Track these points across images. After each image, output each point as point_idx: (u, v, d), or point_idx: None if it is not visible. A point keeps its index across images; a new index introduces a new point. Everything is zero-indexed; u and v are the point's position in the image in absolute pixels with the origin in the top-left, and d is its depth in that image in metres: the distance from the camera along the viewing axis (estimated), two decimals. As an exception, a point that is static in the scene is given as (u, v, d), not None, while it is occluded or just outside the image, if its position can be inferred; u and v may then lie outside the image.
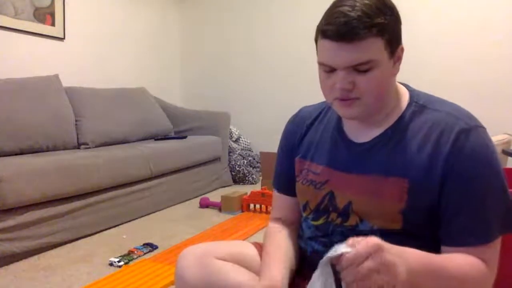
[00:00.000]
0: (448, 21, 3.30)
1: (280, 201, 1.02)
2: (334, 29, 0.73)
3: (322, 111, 0.97)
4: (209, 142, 3.48)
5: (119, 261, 1.90)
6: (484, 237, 0.74)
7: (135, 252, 2.03)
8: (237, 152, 3.89)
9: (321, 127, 0.94)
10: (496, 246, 0.75)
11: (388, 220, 0.78)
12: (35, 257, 2.02)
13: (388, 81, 0.80)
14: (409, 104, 0.84)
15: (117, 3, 3.76)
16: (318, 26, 0.78)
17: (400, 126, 0.82)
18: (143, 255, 2.03)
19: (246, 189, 3.04)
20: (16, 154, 2.41)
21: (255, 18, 4.15)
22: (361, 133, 0.85)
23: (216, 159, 3.57)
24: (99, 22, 3.57)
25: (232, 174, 3.77)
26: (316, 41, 0.80)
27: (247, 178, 3.75)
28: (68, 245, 2.18)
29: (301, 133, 0.97)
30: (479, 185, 0.74)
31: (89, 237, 2.30)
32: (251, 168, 3.83)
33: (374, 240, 0.62)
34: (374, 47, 0.74)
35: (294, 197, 0.98)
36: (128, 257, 1.97)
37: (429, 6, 3.35)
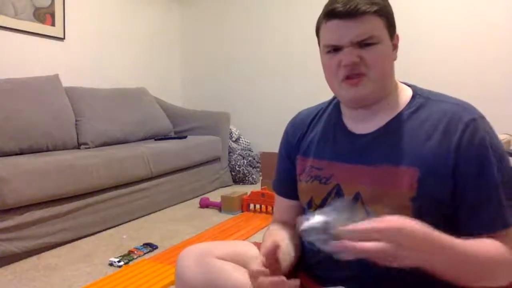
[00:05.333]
0: (448, 21, 3.30)
1: (280, 205, 1.03)
2: (339, 7, 0.78)
3: (320, 110, 0.99)
4: (209, 142, 3.48)
5: (119, 261, 1.90)
6: (504, 223, 0.75)
7: (135, 252, 2.03)
8: (237, 152, 3.89)
9: (321, 124, 0.95)
10: None
11: (397, 208, 0.78)
12: (35, 257, 2.02)
13: (390, 62, 0.84)
14: (413, 97, 0.86)
15: (117, 3, 3.76)
16: (320, 16, 0.84)
17: (406, 117, 0.83)
18: (143, 255, 2.03)
19: (246, 189, 3.04)
20: (16, 154, 2.41)
21: (255, 18, 4.15)
22: (362, 125, 0.86)
23: (216, 159, 3.57)
24: (99, 22, 3.57)
25: (232, 174, 3.77)
26: (318, 31, 0.86)
27: (247, 178, 3.74)
28: (68, 245, 2.18)
29: (301, 133, 0.98)
30: (493, 171, 0.75)
31: (89, 237, 2.30)
32: (251, 168, 3.83)
33: (396, 222, 0.64)
34: (376, 24, 0.80)
35: (295, 201, 0.98)
36: (128, 257, 1.97)
37: (431, 7, 3.35)
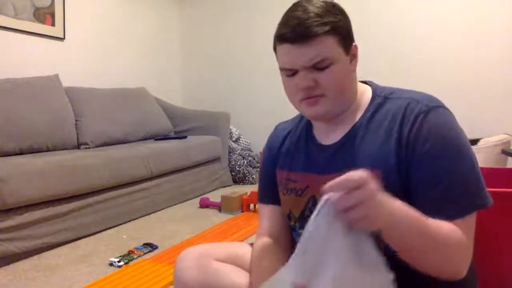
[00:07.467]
0: (448, 21, 3.30)
1: (266, 213, 1.00)
2: (289, 31, 0.78)
3: (295, 124, 1.00)
4: (209, 142, 3.48)
5: (119, 261, 1.91)
6: (452, 215, 0.73)
7: (135, 252, 2.04)
8: (237, 152, 3.89)
9: (295, 137, 0.97)
10: (468, 223, 0.74)
11: None
12: (35, 257, 2.02)
13: (348, 77, 0.83)
14: (372, 98, 0.86)
15: (117, 3, 3.76)
16: (274, 34, 0.83)
17: (366, 121, 0.84)
18: (143, 255, 2.03)
19: (246, 189, 3.04)
20: (16, 154, 2.41)
21: (255, 18, 4.14)
22: (330, 135, 0.87)
23: (216, 159, 3.57)
24: (99, 22, 3.57)
25: (232, 174, 3.77)
26: (275, 49, 0.85)
27: (247, 178, 3.75)
28: (68, 245, 2.19)
29: (278, 146, 1.00)
30: (441, 164, 0.74)
31: (89, 237, 2.30)
32: (251, 168, 3.83)
33: (364, 172, 0.60)
34: (329, 44, 0.78)
35: (280, 206, 0.98)
36: (128, 257, 1.97)
37: (431, 7, 3.35)
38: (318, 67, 0.78)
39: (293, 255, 0.63)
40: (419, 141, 0.75)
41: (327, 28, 0.77)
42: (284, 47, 0.80)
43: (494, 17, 3.14)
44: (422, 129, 0.76)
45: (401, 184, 0.76)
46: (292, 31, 0.77)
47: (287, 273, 0.62)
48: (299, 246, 0.62)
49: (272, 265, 0.86)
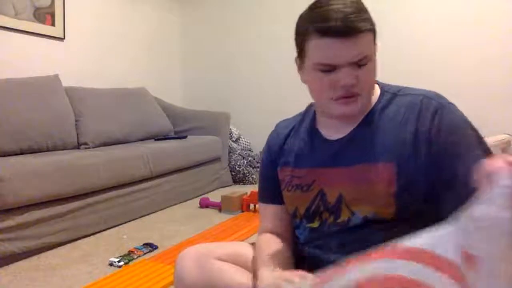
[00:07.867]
0: (447, 21, 3.30)
1: (268, 212, 1.00)
2: (336, 25, 0.74)
3: (296, 122, 1.00)
4: (209, 142, 3.48)
5: (119, 261, 1.90)
6: None
7: (135, 252, 2.03)
8: (237, 152, 3.89)
9: (298, 135, 0.96)
10: None
11: (381, 205, 0.78)
12: (35, 257, 2.02)
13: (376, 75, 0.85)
14: (381, 94, 0.87)
15: (117, 3, 3.76)
16: (308, 28, 0.79)
17: (376, 115, 0.84)
18: (143, 255, 2.03)
19: (246, 189, 3.04)
20: (16, 154, 2.41)
21: (255, 18, 4.15)
22: (338, 130, 0.87)
23: (216, 159, 3.57)
24: (99, 22, 3.57)
25: (232, 174, 3.77)
26: (302, 44, 0.82)
27: (247, 178, 3.74)
28: (68, 245, 2.18)
29: (280, 144, 0.99)
30: (465, 153, 0.76)
31: (89, 237, 2.30)
32: (251, 168, 3.83)
33: None
34: (369, 41, 0.78)
35: (282, 205, 0.97)
36: (128, 257, 1.97)
37: (430, 7, 3.35)
38: (360, 64, 0.77)
39: (446, 224, 0.58)
40: (441, 135, 0.76)
41: (368, 25, 0.77)
42: (327, 41, 0.76)
43: (494, 17, 3.14)
44: (442, 124, 0.77)
45: (416, 178, 0.77)
46: (339, 26, 0.74)
47: (444, 238, 0.57)
48: (460, 219, 0.56)
49: (279, 250, 0.88)
